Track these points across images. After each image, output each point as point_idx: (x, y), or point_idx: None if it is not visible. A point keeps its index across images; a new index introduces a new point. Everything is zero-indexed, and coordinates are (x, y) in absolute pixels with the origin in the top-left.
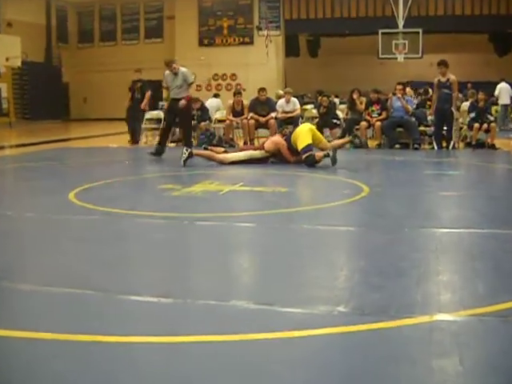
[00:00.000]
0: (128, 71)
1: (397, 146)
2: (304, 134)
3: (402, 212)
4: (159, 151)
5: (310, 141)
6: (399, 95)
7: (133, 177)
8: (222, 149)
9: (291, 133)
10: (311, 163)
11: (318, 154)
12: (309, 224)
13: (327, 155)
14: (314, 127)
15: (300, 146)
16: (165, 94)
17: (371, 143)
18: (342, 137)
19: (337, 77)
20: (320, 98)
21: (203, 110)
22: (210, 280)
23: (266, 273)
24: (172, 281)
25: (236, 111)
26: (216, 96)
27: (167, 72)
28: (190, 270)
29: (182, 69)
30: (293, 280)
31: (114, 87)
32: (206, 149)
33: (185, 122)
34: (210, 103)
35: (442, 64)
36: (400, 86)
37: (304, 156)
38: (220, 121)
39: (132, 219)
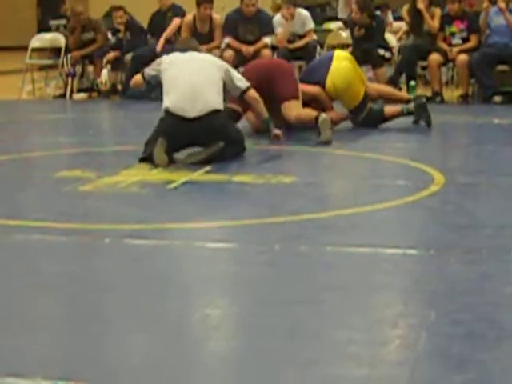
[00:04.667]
0: None
1: (497, 97)
2: (352, 76)
3: (506, 221)
4: None
5: (363, 89)
6: (502, 4)
7: (8, 156)
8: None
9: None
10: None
11: (391, 107)
12: (334, 243)
13: (413, 108)
14: (352, 57)
15: (352, 102)
16: None
17: (450, 93)
18: (395, 82)
19: None
20: (355, 10)
21: (133, 30)
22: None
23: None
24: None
25: (199, 34)
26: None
27: None
28: (108, 346)
29: None
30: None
31: None
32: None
33: None
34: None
35: None
36: None
37: (361, 115)
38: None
39: (6, 235)
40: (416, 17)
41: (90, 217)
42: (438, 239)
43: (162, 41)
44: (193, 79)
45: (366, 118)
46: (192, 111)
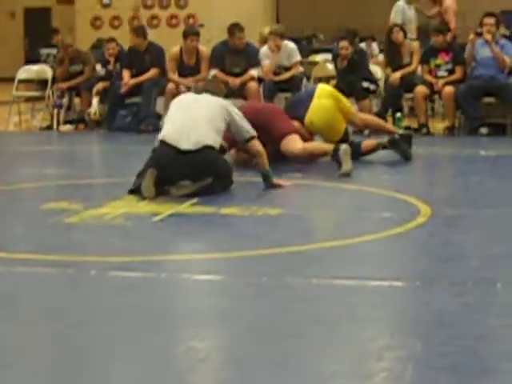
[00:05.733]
0: None
1: (483, 129)
2: (331, 114)
3: (491, 253)
4: None
5: (343, 125)
6: (488, 36)
7: None
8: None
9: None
10: (356, 156)
11: (367, 142)
12: (320, 275)
13: (387, 144)
14: (337, 92)
15: (333, 137)
16: None
17: (436, 125)
18: (382, 114)
19: (371, 4)
20: (340, 42)
21: (122, 60)
22: None
23: None
24: None
25: (186, 67)
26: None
27: None
28: (92, 379)
29: None
30: None
31: None
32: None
33: None
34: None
35: None
36: (490, 20)
37: (338, 147)
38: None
39: None
40: (391, 50)
41: (75, 249)
42: (424, 271)
43: (128, 82)
44: (191, 114)
45: (350, 145)
46: (185, 143)
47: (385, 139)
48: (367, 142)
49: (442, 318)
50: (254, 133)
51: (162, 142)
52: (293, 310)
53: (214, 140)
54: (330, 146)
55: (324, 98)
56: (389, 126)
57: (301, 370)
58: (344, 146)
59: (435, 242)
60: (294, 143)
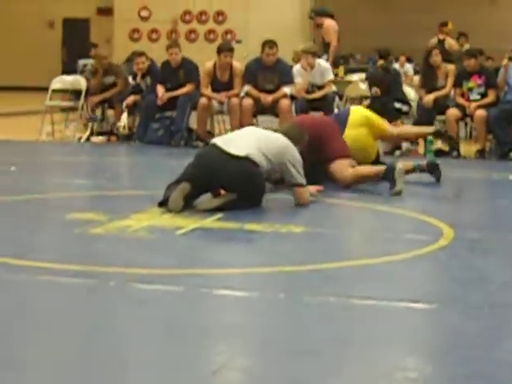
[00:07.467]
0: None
1: None
2: (362, 143)
3: (510, 278)
4: None
5: (376, 147)
6: None
7: (23, 196)
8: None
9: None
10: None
11: (405, 164)
12: (338, 294)
13: (424, 166)
14: (369, 116)
15: (367, 157)
16: None
17: (467, 148)
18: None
19: (410, 25)
20: (379, 62)
21: (154, 76)
22: None
23: None
24: None
25: (219, 82)
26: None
27: None
28: None
29: None
30: None
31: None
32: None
33: None
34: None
35: None
36: None
37: (394, 166)
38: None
39: (12, 275)
40: (428, 72)
41: (97, 259)
42: (442, 293)
43: (163, 96)
44: (249, 132)
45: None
46: (233, 149)
47: (418, 161)
48: (404, 164)
49: (457, 341)
50: (303, 181)
51: (212, 145)
52: (308, 327)
53: (260, 159)
54: (382, 167)
55: (356, 128)
56: (423, 128)
57: None
58: (400, 166)
59: (455, 265)
60: (343, 169)
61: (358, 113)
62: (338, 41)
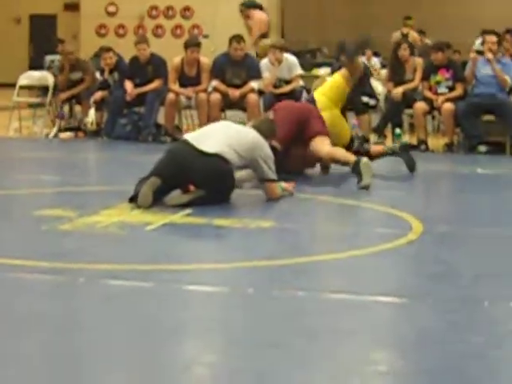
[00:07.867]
0: None
1: (481, 147)
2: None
3: (480, 271)
4: None
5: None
6: (489, 55)
7: None
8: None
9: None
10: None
11: (375, 147)
12: (306, 288)
13: (395, 150)
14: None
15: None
16: None
17: (435, 142)
18: (381, 130)
19: (375, 18)
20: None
21: (121, 71)
22: None
23: None
24: None
25: (187, 77)
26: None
27: None
28: None
29: None
30: None
31: None
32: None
33: None
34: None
35: None
36: (491, 38)
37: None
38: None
39: None
40: (396, 66)
41: (66, 256)
42: (412, 287)
43: (133, 92)
44: (222, 129)
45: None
46: (204, 146)
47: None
48: (375, 148)
49: (426, 335)
50: (274, 176)
51: (183, 141)
52: (277, 321)
53: (231, 156)
54: (353, 157)
55: (327, 110)
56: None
57: (281, 382)
58: (365, 160)
59: (425, 259)
60: (322, 144)
61: (320, 96)
62: (267, 33)
